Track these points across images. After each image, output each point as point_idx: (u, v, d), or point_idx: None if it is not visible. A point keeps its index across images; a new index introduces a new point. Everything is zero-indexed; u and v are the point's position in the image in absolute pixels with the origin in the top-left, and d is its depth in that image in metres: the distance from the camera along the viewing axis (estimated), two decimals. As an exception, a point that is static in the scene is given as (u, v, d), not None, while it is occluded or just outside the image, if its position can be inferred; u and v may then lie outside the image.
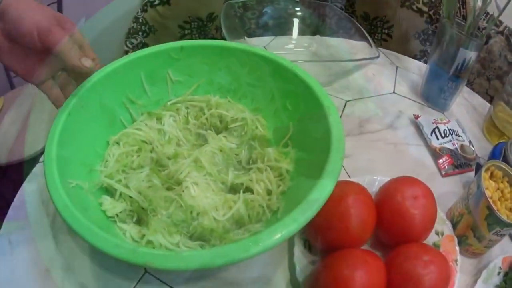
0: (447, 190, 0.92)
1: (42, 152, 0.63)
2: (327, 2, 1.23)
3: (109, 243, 0.51)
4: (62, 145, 0.62)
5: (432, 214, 0.74)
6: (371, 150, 0.99)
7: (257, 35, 1.20)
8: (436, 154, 0.99)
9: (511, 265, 0.78)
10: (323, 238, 0.70)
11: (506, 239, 0.81)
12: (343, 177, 0.86)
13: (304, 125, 0.74)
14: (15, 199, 0.80)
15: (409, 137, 1.04)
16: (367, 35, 1.05)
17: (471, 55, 1.00)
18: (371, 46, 1.03)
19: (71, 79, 0.72)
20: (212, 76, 0.81)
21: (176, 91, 0.81)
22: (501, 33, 1.43)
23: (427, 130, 1.03)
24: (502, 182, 0.78)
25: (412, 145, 1.02)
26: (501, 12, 0.95)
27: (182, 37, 1.54)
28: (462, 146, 1.00)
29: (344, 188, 0.71)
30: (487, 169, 0.78)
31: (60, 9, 1.67)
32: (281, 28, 1.24)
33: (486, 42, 1.43)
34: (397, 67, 1.24)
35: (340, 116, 1.03)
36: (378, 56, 0.98)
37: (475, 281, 0.75)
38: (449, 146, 1.00)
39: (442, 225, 0.80)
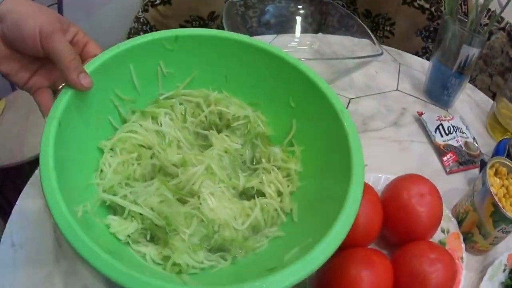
0: (451, 187, 0.91)
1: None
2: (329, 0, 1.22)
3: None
4: (60, 167, 0.54)
5: (438, 211, 0.73)
6: (375, 147, 0.98)
7: (259, 34, 1.20)
8: (440, 151, 0.99)
9: (516, 262, 0.77)
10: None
11: (511, 236, 0.81)
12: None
13: (311, 124, 0.70)
14: (17, 201, 0.79)
15: (413, 134, 1.04)
16: (370, 32, 1.05)
17: (474, 51, 0.99)
18: (374, 43, 1.03)
19: None
20: (207, 68, 0.73)
21: (167, 84, 0.73)
22: (503, 29, 1.43)
23: (431, 127, 1.02)
24: (507, 179, 0.78)
25: (416, 142, 1.02)
26: (503, 8, 0.95)
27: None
28: (466, 143, 1.00)
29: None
30: (492, 166, 0.78)
31: (60, 9, 1.67)
32: (283, 26, 1.24)
33: (488, 39, 1.43)
34: (399, 64, 1.24)
35: None
36: (381, 53, 0.97)
37: (480, 278, 0.75)
38: (453, 143, 1.00)
39: (448, 222, 0.80)
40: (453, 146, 0.99)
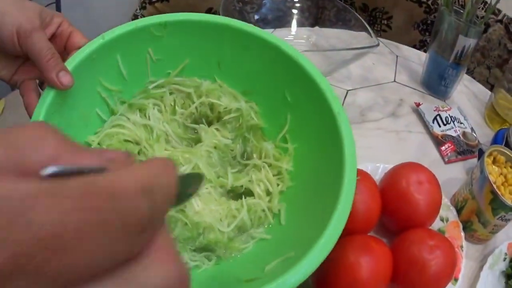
0: (450, 176, 0.91)
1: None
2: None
3: None
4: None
5: (437, 199, 0.73)
6: (373, 138, 0.98)
7: (257, 29, 1.19)
8: (438, 141, 0.98)
9: (516, 250, 0.77)
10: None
11: (511, 224, 0.80)
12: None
13: (306, 123, 0.66)
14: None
15: (411, 124, 1.04)
16: (366, 25, 1.04)
17: (470, 42, 0.99)
18: (371, 36, 1.02)
19: None
20: (198, 54, 0.69)
21: (157, 71, 0.68)
22: (500, 21, 1.42)
23: (428, 118, 1.02)
24: (505, 167, 0.77)
25: (414, 133, 1.02)
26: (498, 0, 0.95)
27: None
28: (464, 133, 1.00)
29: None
30: (490, 154, 0.78)
31: (58, 7, 1.66)
32: (281, 21, 1.23)
33: (486, 31, 1.43)
34: (397, 56, 1.24)
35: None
36: (377, 45, 0.97)
37: (481, 267, 0.75)
38: (451, 133, 0.99)
39: (447, 211, 0.80)
40: (451, 136, 0.99)
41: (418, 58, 1.24)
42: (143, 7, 1.56)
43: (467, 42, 0.99)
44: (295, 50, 0.64)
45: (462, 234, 0.77)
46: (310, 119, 0.64)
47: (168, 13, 0.68)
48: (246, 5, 1.19)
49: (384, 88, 1.12)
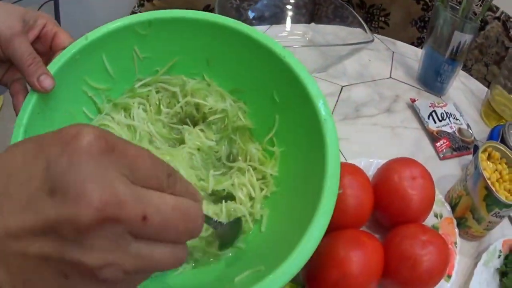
0: (445, 173, 0.90)
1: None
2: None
3: None
4: None
5: (430, 194, 0.72)
6: (368, 133, 0.98)
7: (253, 26, 1.18)
8: (433, 137, 0.97)
9: (511, 248, 0.76)
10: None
11: (505, 222, 0.80)
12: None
13: (293, 126, 0.63)
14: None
15: (406, 120, 1.03)
16: (362, 21, 1.04)
17: (466, 37, 0.98)
18: (366, 32, 1.02)
19: None
20: (187, 51, 0.67)
21: (145, 68, 0.67)
22: (498, 18, 1.41)
23: (424, 114, 1.01)
24: (500, 163, 0.76)
25: (409, 129, 1.01)
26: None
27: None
28: (460, 130, 0.99)
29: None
30: (485, 150, 0.77)
31: (56, 5, 1.65)
32: (277, 17, 1.22)
33: (483, 28, 1.42)
34: (393, 52, 1.23)
35: (336, 101, 1.03)
36: (372, 40, 0.96)
37: (475, 264, 0.74)
38: (447, 129, 0.99)
39: (441, 207, 0.79)
40: (446, 132, 0.98)
41: (414, 55, 1.23)
42: (141, 4, 1.55)
43: (463, 38, 0.98)
44: (284, 50, 0.61)
45: (456, 230, 0.76)
46: (297, 122, 0.61)
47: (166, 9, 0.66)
48: (243, 2, 1.18)
49: (379, 84, 1.11)
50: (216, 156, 0.68)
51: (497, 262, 0.75)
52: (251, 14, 1.20)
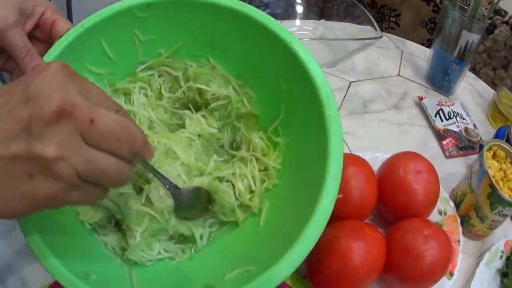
0: (450, 171, 0.89)
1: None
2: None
3: None
4: None
5: (435, 189, 0.71)
6: (374, 129, 0.96)
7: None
8: (440, 135, 0.96)
9: (513, 249, 0.75)
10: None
11: (508, 222, 0.79)
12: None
13: (298, 118, 0.60)
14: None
15: (414, 117, 1.01)
16: (371, 18, 1.02)
17: (474, 37, 0.97)
18: (376, 30, 1.00)
19: None
20: (189, 34, 0.63)
21: (148, 50, 0.64)
22: (506, 23, 1.41)
23: (431, 112, 1.00)
24: (504, 162, 0.75)
25: (416, 126, 0.99)
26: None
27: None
28: (466, 129, 0.98)
29: (344, 160, 0.67)
30: (490, 149, 0.75)
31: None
32: (288, 14, 1.21)
33: (492, 32, 1.41)
34: (402, 51, 1.21)
35: (344, 96, 1.02)
36: (381, 37, 0.95)
37: (478, 264, 0.72)
38: (454, 128, 0.97)
39: (445, 204, 0.78)
40: (453, 131, 0.97)
41: (423, 54, 1.21)
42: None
43: (471, 38, 0.97)
44: (290, 34, 0.57)
45: (460, 228, 0.75)
46: (302, 113, 0.58)
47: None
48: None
49: (388, 82, 1.10)
50: (218, 143, 0.66)
51: (498, 263, 0.74)
52: (262, 10, 1.19)
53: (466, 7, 0.97)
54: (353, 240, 0.61)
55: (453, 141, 0.94)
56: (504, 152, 0.75)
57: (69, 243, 0.53)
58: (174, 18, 0.62)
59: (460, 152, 0.93)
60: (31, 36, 0.60)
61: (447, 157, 0.93)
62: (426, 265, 0.62)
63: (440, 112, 0.99)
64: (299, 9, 1.19)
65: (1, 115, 0.35)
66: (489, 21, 1.40)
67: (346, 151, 0.87)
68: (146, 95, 0.65)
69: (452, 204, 0.78)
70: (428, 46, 1.41)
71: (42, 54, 0.57)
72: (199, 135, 0.64)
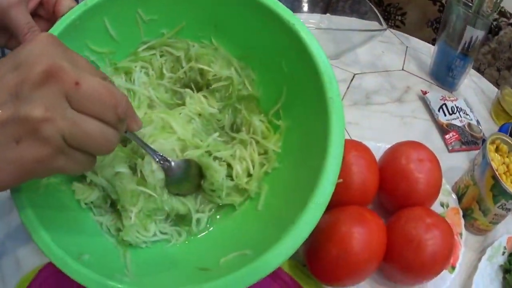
0: (453, 165, 0.87)
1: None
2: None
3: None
4: None
5: (437, 179, 0.69)
6: (377, 120, 0.95)
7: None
8: (443, 129, 0.95)
9: (516, 245, 0.74)
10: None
11: (511, 218, 0.77)
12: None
13: (300, 101, 0.58)
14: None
15: (417, 111, 1.00)
16: (377, 12, 1.01)
17: (478, 33, 0.96)
18: (381, 24, 0.99)
19: None
20: (193, 14, 0.62)
21: (151, 30, 0.63)
22: (511, 25, 1.39)
23: (434, 106, 0.99)
24: (507, 156, 0.74)
25: (419, 119, 0.98)
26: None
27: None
28: (469, 125, 0.96)
29: (345, 145, 0.64)
30: (493, 142, 0.74)
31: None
32: (294, 9, 1.20)
33: (497, 33, 1.40)
34: (406, 47, 1.20)
35: (348, 87, 1.00)
36: (385, 29, 0.94)
37: (479, 259, 0.71)
38: (457, 123, 0.96)
39: (448, 197, 0.76)
40: (456, 125, 0.95)
41: (428, 51, 1.19)
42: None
43: (475, 33, 0.96)
44: (294, 17, 0.55)
45: (462, 221, 0.73)
46: (304, 96, 0.56)
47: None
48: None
49: (391, 75, 1.09)
50: (218, 124, 0.64)
51: (501, 259, 0.73)
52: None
53: (471, 4, 0.96)
54: (353, 226, 0.59)
55: (456, 135, 0.93)
56: (507, 146, 0.74)
57: (63, 221, 0.52)
58: None
59: (463, 146, 0.92)
60: (34, 14, 0.60)
61: (449, 151, 0.92)
62: (428, 254, 0.60)
63: (444, 106, 0.98)
64: (305, 3, 1.18)
65: None
66: (495, 22, 1.38)
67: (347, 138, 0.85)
68: (147, 74, 0.63)
69: (454, 196, 0.76)
70: (433, 45, 1.40)
71: (45, 32, 0.55)
72: (199, 115, 0.62)
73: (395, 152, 0.71)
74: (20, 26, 0.56)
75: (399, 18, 1.56)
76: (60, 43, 0.38)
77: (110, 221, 0.57)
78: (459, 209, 0.75)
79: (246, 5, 0.57)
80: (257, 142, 0.61)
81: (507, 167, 0.72)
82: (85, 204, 0.56)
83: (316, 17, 1.17)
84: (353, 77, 1.05)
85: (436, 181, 0.68)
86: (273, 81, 0.60)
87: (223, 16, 0.61)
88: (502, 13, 1.41)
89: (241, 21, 0.59)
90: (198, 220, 0.59)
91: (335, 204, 0.62)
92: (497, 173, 0.68)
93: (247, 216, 0.58)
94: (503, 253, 0.73)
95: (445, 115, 0.97)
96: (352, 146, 0.67)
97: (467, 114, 0.98)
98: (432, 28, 1.52)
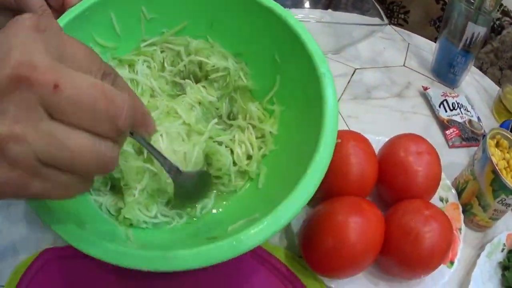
0: (453, 161, 0.86)
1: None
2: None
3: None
4: None
5: (436, 172, 0.68)
6: (377, 114, 0.94)
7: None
8: (444, 125, 0.94)
9: (515, 242, 0.73)
10: (320, 185, 0.64)
11: (511, 215, 0.76)
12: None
13: (293, 85, 0.61)
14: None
15: (417, 106, 0.99)
16: (379, 8, 1.00)
17: (479, 30, 0.95)
18: (383, 20, 0.98)
19: None
20: (192, 13, 0.65)
21: (151, 29, 0.65)
22: (514, 24, 1.38)
23: (435, 102, 0.98)
24: (508, 152, 0.73)
25: (420, 115, 0.97)
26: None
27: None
28: (470, 121, 0.95)
29: (344, 135, 0.64)
30: (493, 137, 0.73)
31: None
32: (296, 6, 1.19)
33: (500, 33, 1.39)
34: (408, 43, 1.19)
35: (348, 82, 1.00)
36: (386, 24, 0.93)
37: (478, 255, 0.70)
38: (457, 119, 0.95)
39: (447, 192, 0.75)
40: (457, 121, 0.94)
41: (429, 48, 1.18)
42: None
43: (476, 30, 0.95)
44: (285, 10, 0.59)
45: (461, 216, 0.72)
46: (297, 80, 0.59)
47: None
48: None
49: (392, 71, 1.08)
50: (217, 113, 0.66)
51: (500, 256, 0.72)
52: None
53: (473, 0, 0.95)
54: (350, 216, 0.57)
55: (457, 131, 0.92)
56: (507, 142, 0.73)
57: (62, 204, 0.50)
58: None
59: (464, 142, 0.91)
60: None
61: (450, 147, 0.91)
62: (426, 247, 0.59)
63: (445, 102, 0.97)
64: (306, 1, 1.18)
65: None
66: (498, 22, 1.38)
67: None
68: (149, 67, 0.65)
69: (454, 191, 0.75)
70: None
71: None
72: (199, 103, 0.64)
73: (394, 144, 0.70)
74: (33, 8, 0.54)
75: (402, 16, 1.55)
76: (45, 26, 0.30)
77: (111, 202, 0.57)
78: (459, 204, 0.74)
79: (242, 3, 0.61)
80: (254, 127, 0.63)
81: (507, 162, 0.71)
82: None
83: (317, 13, 1.16)
84: (354, 71, 1.04)
85: (435, 174, 0.67)
86: (267, 72, 0.64)
87: (220, 15, 0.64)
88: (505, 13, 1.40)
89: (235, 19, 0.63)
90: (202, 208, 0.60)
91: (333, 194, 0.61)
92: (497, 167, 0.67)
93: (249, 194, 0.60)
94: (502, 250, 0.72)
95: (446, 111, 0.96)
96: (351, 137, 0.66)
97: (468, 111, 0.97)
98: (435, 26, 1.52)
